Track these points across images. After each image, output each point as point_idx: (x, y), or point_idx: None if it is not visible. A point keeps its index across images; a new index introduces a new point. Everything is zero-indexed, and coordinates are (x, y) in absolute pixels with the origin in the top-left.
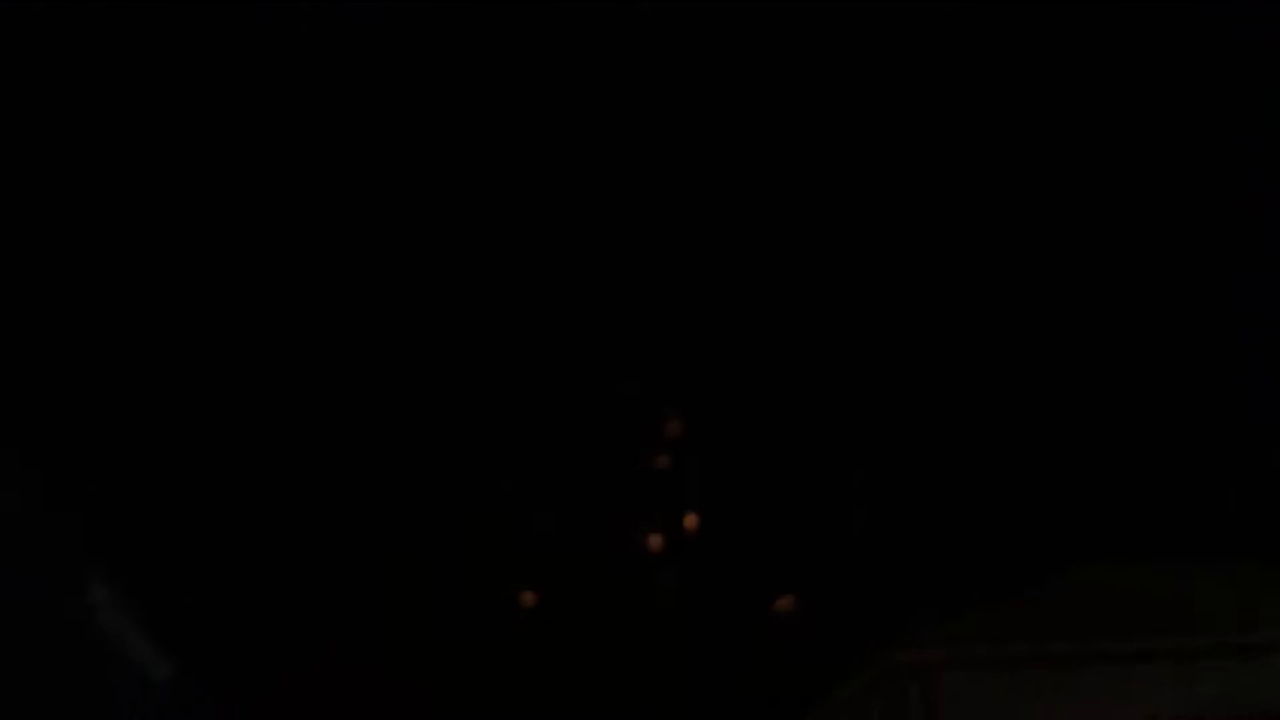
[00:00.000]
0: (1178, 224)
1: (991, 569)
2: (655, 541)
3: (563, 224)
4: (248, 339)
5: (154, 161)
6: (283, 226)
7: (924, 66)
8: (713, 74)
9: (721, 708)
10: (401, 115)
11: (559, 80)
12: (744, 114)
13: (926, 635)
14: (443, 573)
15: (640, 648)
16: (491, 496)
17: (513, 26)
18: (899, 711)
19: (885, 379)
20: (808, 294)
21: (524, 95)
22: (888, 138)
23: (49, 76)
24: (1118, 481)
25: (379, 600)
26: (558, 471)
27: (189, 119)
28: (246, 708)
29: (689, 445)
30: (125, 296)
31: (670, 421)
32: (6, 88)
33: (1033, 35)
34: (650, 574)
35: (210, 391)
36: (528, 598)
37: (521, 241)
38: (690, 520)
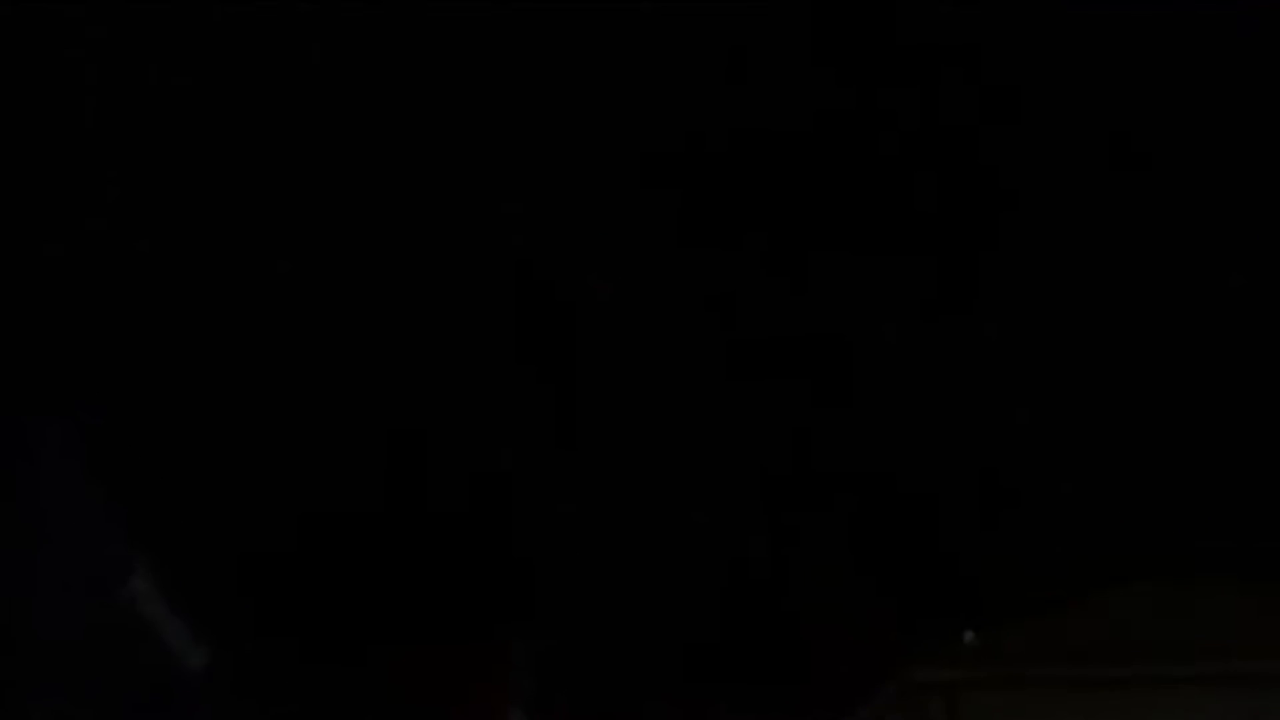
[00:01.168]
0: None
1: (1018, 588)
2: None
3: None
4: (300, 338)
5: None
6: (291, 223)
7: (931, 66)
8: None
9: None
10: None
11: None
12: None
13: (949, 653)
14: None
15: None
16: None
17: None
18: None
19: (923, 383)
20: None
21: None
22: (877, 140)
23: (48, 75)
24: (1151, 502)
25: (401, 592)
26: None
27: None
28: (279, 696)
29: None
30: (172, 295)
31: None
32: (8, 87)
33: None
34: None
35: (254, 385)
36: None
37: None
38: None
